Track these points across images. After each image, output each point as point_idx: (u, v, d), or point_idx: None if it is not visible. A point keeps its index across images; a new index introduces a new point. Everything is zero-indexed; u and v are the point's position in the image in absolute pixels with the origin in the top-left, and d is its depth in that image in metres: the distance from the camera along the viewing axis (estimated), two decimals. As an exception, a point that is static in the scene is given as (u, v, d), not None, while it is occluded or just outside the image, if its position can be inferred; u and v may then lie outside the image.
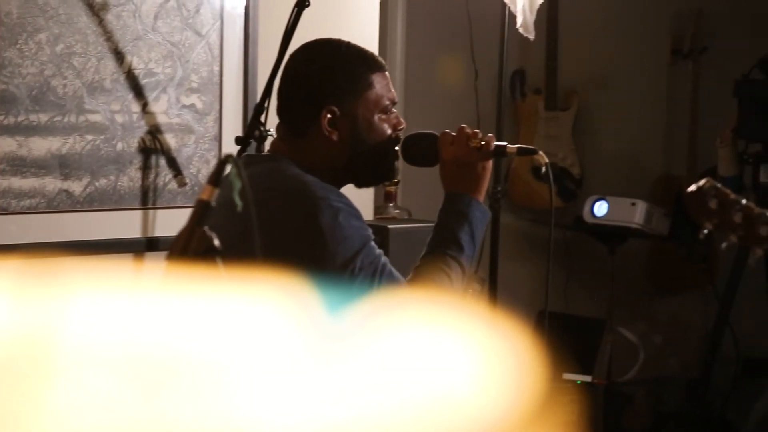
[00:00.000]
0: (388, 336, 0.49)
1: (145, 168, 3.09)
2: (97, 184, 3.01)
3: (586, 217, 4.59)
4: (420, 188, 3.20)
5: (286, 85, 2.30)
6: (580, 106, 4.98)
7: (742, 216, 1.94)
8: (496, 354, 0.50)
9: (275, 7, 3.20)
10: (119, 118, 3.03)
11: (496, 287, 3.72)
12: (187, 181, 3.16)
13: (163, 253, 3.06)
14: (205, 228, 1.38)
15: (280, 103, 2.31)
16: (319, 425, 0.44)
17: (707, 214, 1.96)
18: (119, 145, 3.04)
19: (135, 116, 3.06)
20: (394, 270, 2.17)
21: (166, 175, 3.13)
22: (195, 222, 1.39)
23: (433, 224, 2.32)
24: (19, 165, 2.89)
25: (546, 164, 2.30)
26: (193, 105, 3.17)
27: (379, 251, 2.17)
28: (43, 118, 2.92)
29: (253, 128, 2.82)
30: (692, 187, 1.99)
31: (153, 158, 3.10)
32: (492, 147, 2.30)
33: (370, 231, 2.19)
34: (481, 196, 2.31)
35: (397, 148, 2.32)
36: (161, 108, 3.11)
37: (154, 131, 3.10)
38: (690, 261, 4.78)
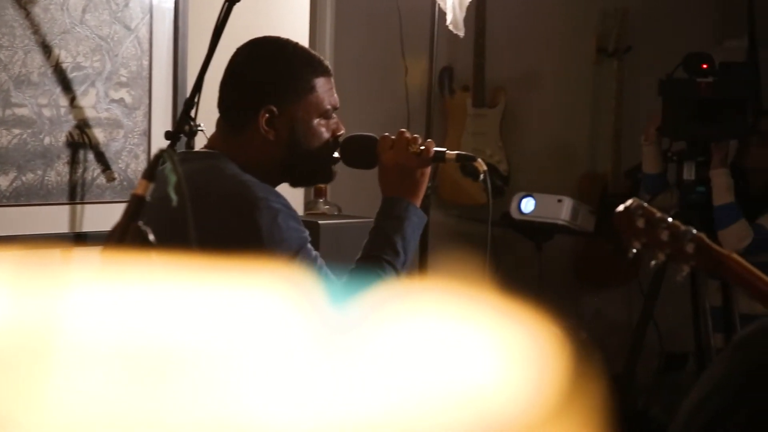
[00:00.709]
0: (398, 327, 0.49)
1: (73, 162, 3.05)
2: (23, 178, 2.97)
3: (514, 214, 4.63)
4: (350, 185, 3.20)
5: (229, 80, 2.28)
6: (508, 103, 5.02)
7: (668, 234, 1.97)
8: (514, 345, 0.50)
9: (205, 2, 3.18)
10: (47, 112, 3.00)
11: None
12: (116, 176, 3.13)
13: (92, 248, 3.04)
14: (140, 223, 1.38)
15: (220, 97, 2.29)
16: (327, 418, 0.44)
17: (635, 234, 1.98)
18: (47, 140, 3.00)
19: (63, 110, 3.03)
20: (330, 273, 2.17)
21: (94, 169, 3.10)
22: (129, 217, 1.38)
23: (363, 220, 2.32)
24: (-57, 159, 2.84)
25: (484, 172, 2.28)
26: (122, 99, 3.14)
27: (315, 253, 2.17)
28: (-31, 111, 2.88)
29: (182, 123, 2.80)
30: (620, 208, 2.01)
31: (81, 153, 3.07)
32: (431, 153, 2.28)
33: (307, 233, 2.18)
34: (419, 201, 2.30)
35: (336, 154, 2.31)
36: (89, 102, 3.07)
37: (83, 125, 3.07)
38: (615, 257, 4.84)
